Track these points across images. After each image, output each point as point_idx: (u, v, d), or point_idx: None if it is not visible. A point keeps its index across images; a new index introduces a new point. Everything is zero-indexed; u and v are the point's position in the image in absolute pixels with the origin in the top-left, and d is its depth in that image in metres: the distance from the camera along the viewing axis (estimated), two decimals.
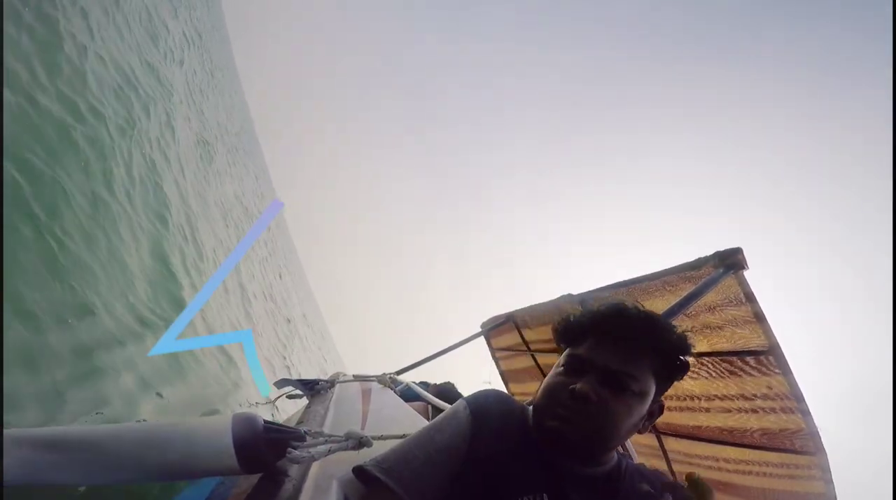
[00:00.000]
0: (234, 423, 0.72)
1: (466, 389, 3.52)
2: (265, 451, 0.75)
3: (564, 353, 0.83)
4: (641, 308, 0.80)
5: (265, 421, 0.77)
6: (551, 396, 0.77)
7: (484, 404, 0.84)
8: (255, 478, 0.78)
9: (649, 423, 0.80)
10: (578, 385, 0.72)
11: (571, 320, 0.85)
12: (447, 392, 3.34)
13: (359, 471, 0.72)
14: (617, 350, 0.76)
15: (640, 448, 2.87)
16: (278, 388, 2.12)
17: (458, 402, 0.85)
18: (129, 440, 0.67)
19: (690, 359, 0.82)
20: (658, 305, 2.17)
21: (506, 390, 4.21)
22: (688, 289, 1.80)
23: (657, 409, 0.80)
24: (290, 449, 0.76)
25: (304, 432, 0.84)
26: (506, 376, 4.23)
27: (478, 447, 0.75)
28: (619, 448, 0.85)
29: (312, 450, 0.78)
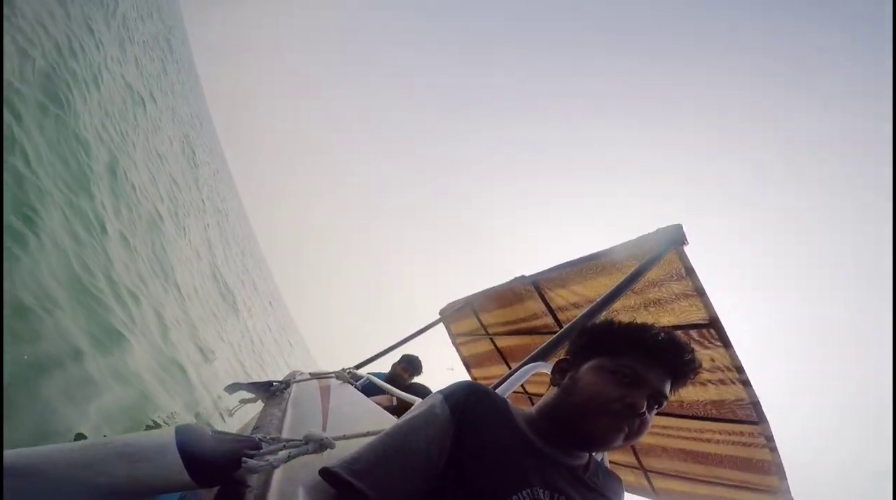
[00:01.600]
0: (178, 436, 0.67)
1: (430, 377, 3.53)
2: (218, 463, 0.70)
3: (612, 360, 0.82)
4: (680, 337, 0.85)
5: (214, 431, 0.73)
6: (604, 401, 0.77)
7: (464, 398, 0.79)
8: (214, 491, 0.74)
9: None
10: (638, 401, 0.75)
11: (617, 328, 0.86)
12: (416, 385, 3.35)
13: (326, 473, 0.66)
14: (665, 374, 0.80)
15: None
16: (229, 393, 2.03)
17: (433, 396, 0.80)
18: (62, 462, 0.61)
19: None
20: (606, 282, 2.25)
21: (468, 376, 4.26)
22: (634, 266, 1.87)
23: None
24: (245, 458, 0.73)
25: (259, 438, 0.80)
26: (468, 362, 4.27)
27: (463, 445, 0.71)
28: None
29: (270, 457, 0.74)
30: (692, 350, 0.83)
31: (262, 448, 0.77)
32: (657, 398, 0.79)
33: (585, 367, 0.84)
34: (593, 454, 0.85)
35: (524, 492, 0.67)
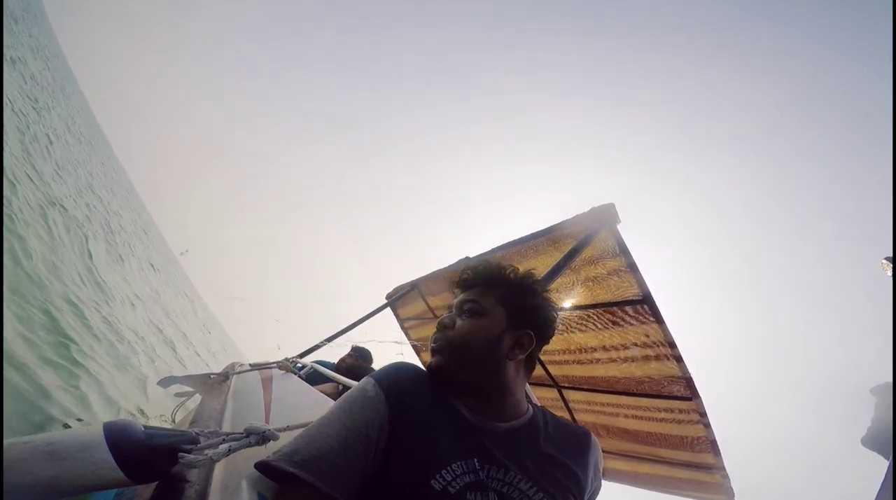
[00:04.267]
0: (106, 433, 0.65)
1: (381, 364, 3.50)
2: (153, 459, 0.68)
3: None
4: (489, 261, 0.98)
5: (145, 427, 0.70)
6: (430, 339, 0.90)
7: (395, 378, 0.80)
8: (152, 488, 0.72)
9: (519, 351, 0.86)
10: (442, 319, 0.90)
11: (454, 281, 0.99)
12: (359, 369, 3.29)
13: (265, 467, 0.65)
14: (466, 291, 0.94)
15: (544, 402, 3.10)
16: (163, 387, 1.92)
17: (364, 380, 0.81)
18: None
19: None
20: (546, 261, 2.32)
21: (419, 360, 4.28)
22: (571, 244, 1.94)
23: (526, 338, 0.87)
24: (181, 454, 0.70)
25: (197, 433, 0.77)
26: (417, 346, 4.28)
27: (398, 426, 0.72)
28: (530, 401, 0.91)
29: (209, 452, 0.72)
30: (486, 262, 0.97)
31: (200, 443, 0.75)
32: (458, 309, 0.90)
33: None
34: (536, 411, 0.87)
35: (454, 465, 0.69)
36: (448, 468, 0.68)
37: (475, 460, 0.71)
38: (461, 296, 0.93)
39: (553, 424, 0.87)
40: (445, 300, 3.46)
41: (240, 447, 0.75)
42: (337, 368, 3.32)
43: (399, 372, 0.83)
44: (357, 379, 1.58)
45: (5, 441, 0.64)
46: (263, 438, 0.78)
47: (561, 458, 0.80)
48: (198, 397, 1.93)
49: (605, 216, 1.92)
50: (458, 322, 0.88)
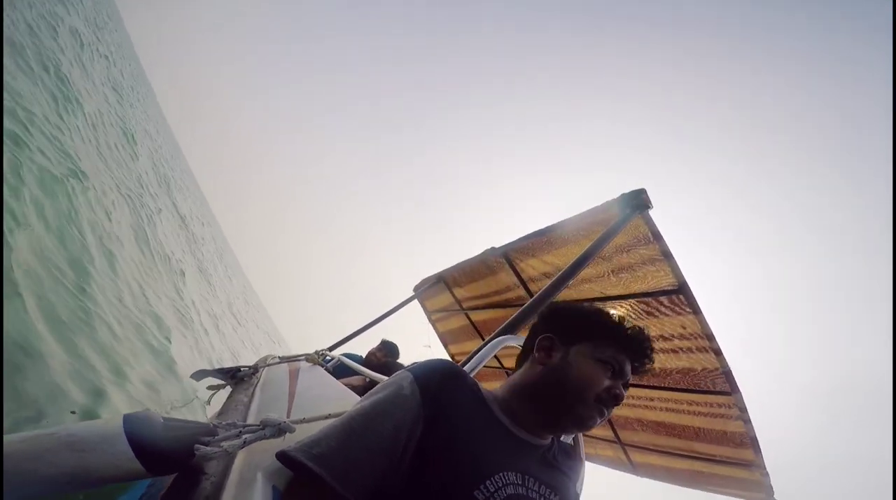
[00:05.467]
0: (126, 424, 0.65)
1: (409, 356, 3.53)
2: (170, 450, 0.68)
3: (599, 348, 0.85)
4: (646, 332, 0.91)
5: (164, 418, 0.70)
6: (595, 390, 0.81)
7: (434, 377, 0.75)
8: (171, 479, 0.72)
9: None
10: (622, 392, 0.82)
11: (605, 319, 0.90)
12: (387, 366, 3.31)
13: (283, 457, 0.62)
14: (631, 366, 0.87)
15: None
16: (196, 380, 1.97)
17: (400, 375, 0.76)
18: (6, 455, 0.59)
19: (610, 303, 0.92)
20: (575, 250, 2.26)
21: (446, 352, 4.27)
22: (600, 232, 1.87)
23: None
24: (198, 446, 0.70)
25: (215, 425, 0.77)
26: (444, 338, 4.27)
27: (434, 431, 0.68)
28: None
29: (225, 444, 0.71)
30: (653, 347, 0.91)
31: (217, 435, 0.75)
32: (626, 387, 0.86)
33: (576, 350, 0.86)
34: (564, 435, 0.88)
35: (497, 476, 0.67)
36: (492, 478, 0.66)
37: (517, 472, 0.70)
38: (630, 375, 0.89)
39: (557, 442, 0.87)
40: (472, 292, 3.43)
41: (255, 439, 0.74)
42: (367, 362, 3.35)
43: (441, 373, 0.78)
44: (387, 374, 1.57)
45: (33, 432, 0.66)
46: (280, 430, 0.77)
47: (569, 475, 0.83)
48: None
49: (636, 202, 1.85)
50: None
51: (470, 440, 0.70)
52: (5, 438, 0.62)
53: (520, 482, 0.69)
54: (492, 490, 0.65)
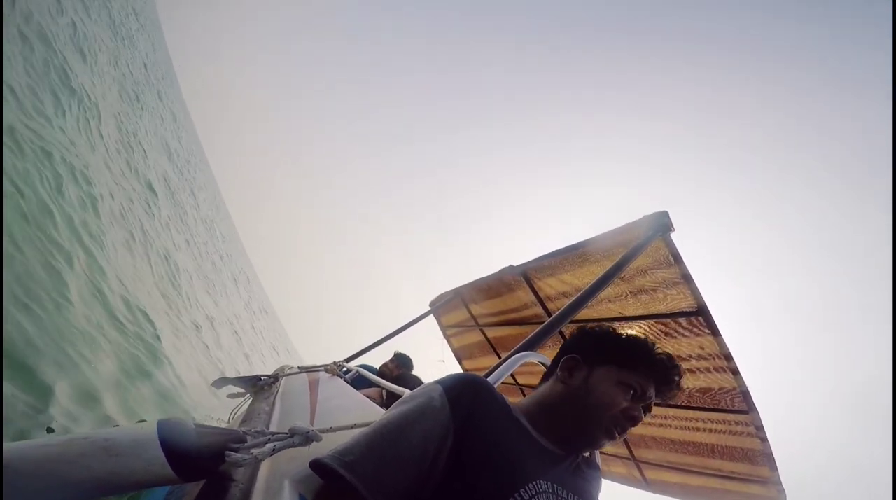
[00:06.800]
0: (160, 430, 0.66)
1: (421, 369, 3.53)
2: (201, 457, 0.70)
3: (624, 371, 0.89)
4: (673, 359, 0.95)
5: (197, 424, 0.72)
6: (608, 410, 0.85)
7: (468, 393, 0.76)
8: (200, 486, 0.73)
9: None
10: (639, 413, 0.86)
11: (633, 344, 0.94)
12: (402, 378, 3.32)
13: (316, 465, 0.63)
14: (655, 389, 0.92)
15: None
16: (217, 388, 2.00)
17: (430, 387, 0.77)
18: (42, 458, 0.60)
19: (628, 323, 0.94)
20: (595, 270, 2.25)
21: (460, 367, 4.26)
22: (621, 254, 1.87)
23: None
24: (228, 452, 0.72)
25: (244, 432, 0.79)
26: (459, 353, 4.26)
27: (465, 443, 0.69)
28: None
29: (255, 451, 0.73)
30: (680, 373, 0.95)
31: (246, 442, 0.77)
32: (648, 409, 0.90)
33: (599, 372, 0.90)
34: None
35: (530, 485, 0.69)
36: (525, 486, 0.68)
37: (548, 481, 0.72)
38: (653, 397, 0.93)
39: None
40: (488, 308, 3.43)
41: (284, 447, 0.75)
42: (380, 374, 3.37)
43: (471, 386, 0.79)
44: (404, 386, 1.58)
45: (68, 436, 0.67)
46: (307, 438, 0.78)
47: (592, 483, 0.86)
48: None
49: (658, 224, 1.85)
50: None
51: (503, 449, 0.72)
52: (42, 441, 0.64)
53: (551, 491, 0.72)
54: (525, 499, 0.67)
